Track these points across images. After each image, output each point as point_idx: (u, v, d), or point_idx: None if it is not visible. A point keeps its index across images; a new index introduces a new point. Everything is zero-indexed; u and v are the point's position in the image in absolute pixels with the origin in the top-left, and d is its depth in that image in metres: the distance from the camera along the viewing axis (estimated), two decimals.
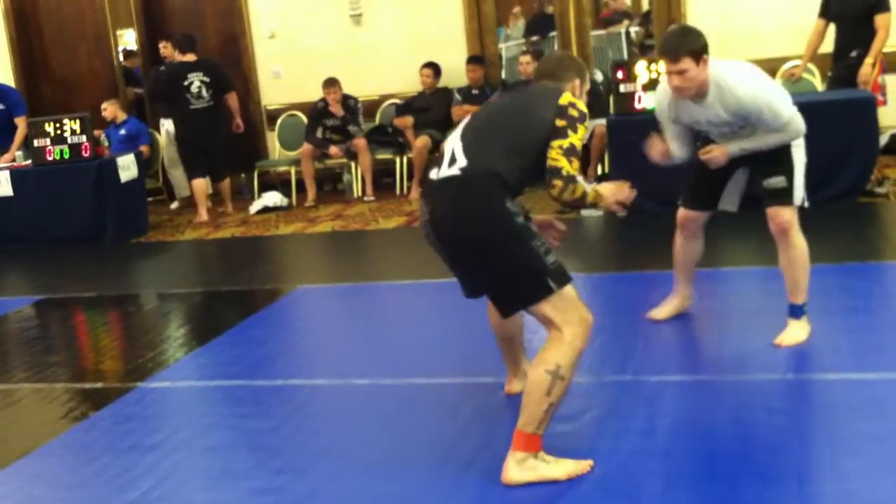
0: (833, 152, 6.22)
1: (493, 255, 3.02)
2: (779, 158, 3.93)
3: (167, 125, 9.43)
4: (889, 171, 7.04)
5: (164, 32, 9.75)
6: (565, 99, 3.13)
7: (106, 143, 8.92)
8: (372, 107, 9.24)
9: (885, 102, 7.08)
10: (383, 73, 9.31)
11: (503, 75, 9.67)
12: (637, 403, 3.56)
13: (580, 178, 3.07)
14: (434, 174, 3.14)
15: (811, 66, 7.42)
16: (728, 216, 4.31)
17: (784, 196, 3.93)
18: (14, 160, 8.57)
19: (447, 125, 8.30)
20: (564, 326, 2.99)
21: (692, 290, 4.44)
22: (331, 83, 8.81)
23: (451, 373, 4.05)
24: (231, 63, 9.41)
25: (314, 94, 8.98)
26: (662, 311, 4.42)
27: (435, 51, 9.01)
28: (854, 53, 6.87)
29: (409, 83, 9.06)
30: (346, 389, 4.08)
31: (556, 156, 3.03)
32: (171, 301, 6.11)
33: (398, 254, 6.80)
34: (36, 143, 8.19)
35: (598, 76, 8.36)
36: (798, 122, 3.87)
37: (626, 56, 10.29)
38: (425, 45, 9.10)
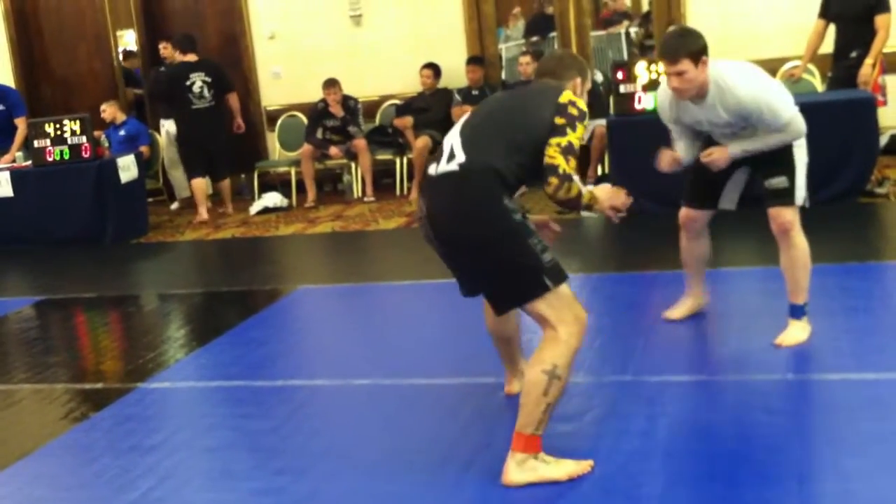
0: (833, 153, 6.22)
1: (490, 252, 3.01)
2: (780, 159, 3.93)
3: (167, 126, 9.43)
4: (889, 172, 7.04)
5: (164, 33, 9.74)
6: (565, 97, 3.12)
7: (106, 144, 8.92)
8: (372, 107, 9.24)
9: (885, 103, 7.08)
10: (383, 74, 9.32)
11: (503, 76, 9.67)
12: (637, 403, 3.55)
13: (576, 178, 3.06)
14: (433, 169, 3.13)
15: (811, 66, 7.42)
16: (728, 216, 4.31)
17: (786, 196, 3.93)
18: (14, 161, 8.57)
19: (447, 126, 8.25)
20: (559, 325, 2.98)
21: (705, 289, 4.43)
22: (331, 84, 8.81)
23: (450, 373, 4.05)
24: (231, 63, 9.41)
25: (314, 94, 8.98)
26: (677, 312, 4.42)
27: (435, 51, 9.01)
28: (854, 54, 6.87)
29: (409, 84, 9.06)
30: (346, 390, 4.08)
31: (553, 153, 3.02)
32: (171, 302, 6.11)
33: (398, 254, 6.80)
34: (36, 143, 8.19)
35: (598, 77, 8.36)
36: (798, 122, 3.87)
37: (625, 57, 10.29)
38: (425, 45, 9.10)
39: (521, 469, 2.99)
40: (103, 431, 3.87)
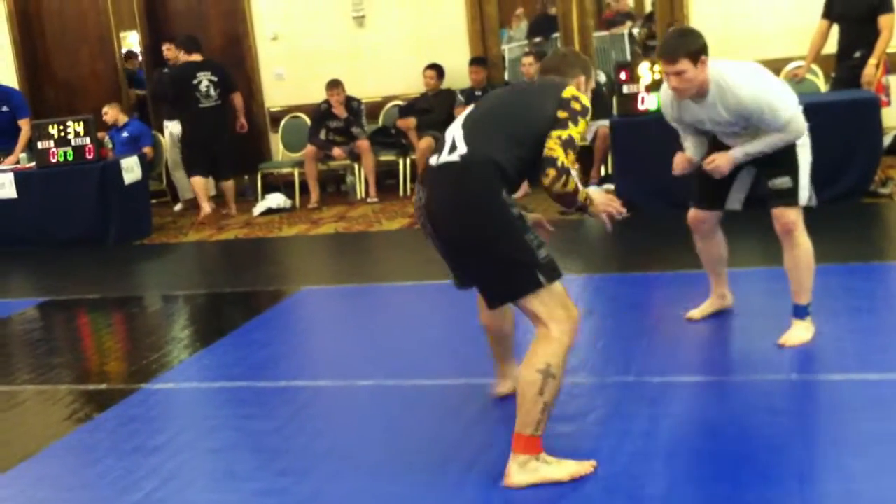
0: (837, 153, 6.22)
1: (486, 244, 3.00)
2: (784, 159, 3.93)
3: (171, 127, 9.44)
4: (893, 172, 7.03)
5: (167, 34, 9.75)
6: (569, 92, 3.12)
7: (110, 146, 8.93)
8: (375, 108, 9.25)
9: (888, 103, 7.07)
10: (386, 75, 9.32)
11: (506, 77, 9.67)
12: (640, 404, 3.55)
13: (574, 173, 3.06)
14: (434, 160, 3.12)
15: (815, 66, 7.42)
16: (731, 217, 4.30)
17: (789, 196, 3.93)
18: (18, 162, 8.58)
19: None
20: (551, 322, 2.97)
21: (728, 290, 4.42)
22: (334, 85, 8.82)
23: (453, 374, 4.05)
24: (234, 65, 9.41)
25: (317, 95, 8.98)
26: (699, 312, 4.42)
27: (438, 52, 9.01)
28: (858, 54, 6.87)
29: (412, 85, 9.06)
30: (349, 391, 4.08)
31: (553, 145, 3.01)
32: (174, 303, 6.11)
33: (401, 255, 6.80)
34: (39, 145, 8.20)
35: (602, 77, 8.35)
36: (799, 121, 3.86)
37: (629, 57, 10.28)
38: (428, 46, 9.10)
39: (523, 470, 2.99)
40: (107, 432, 3.88)
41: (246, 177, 9.62)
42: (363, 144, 8.78)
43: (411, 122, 8.77)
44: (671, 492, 2.90)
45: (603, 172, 7.98)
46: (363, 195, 8.92)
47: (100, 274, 7.20)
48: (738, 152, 3.93)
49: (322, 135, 8.87)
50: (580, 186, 3.09)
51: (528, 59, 8.38)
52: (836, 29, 7.05)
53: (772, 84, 3.88)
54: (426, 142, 8.45)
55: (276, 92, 9.75)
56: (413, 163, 8.78)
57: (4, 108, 8.75)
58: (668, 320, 4.48)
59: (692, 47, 3.75)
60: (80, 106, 10.02)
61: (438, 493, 3.04)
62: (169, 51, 9.40)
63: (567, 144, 3.01)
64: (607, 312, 4.84)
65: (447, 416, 3.64)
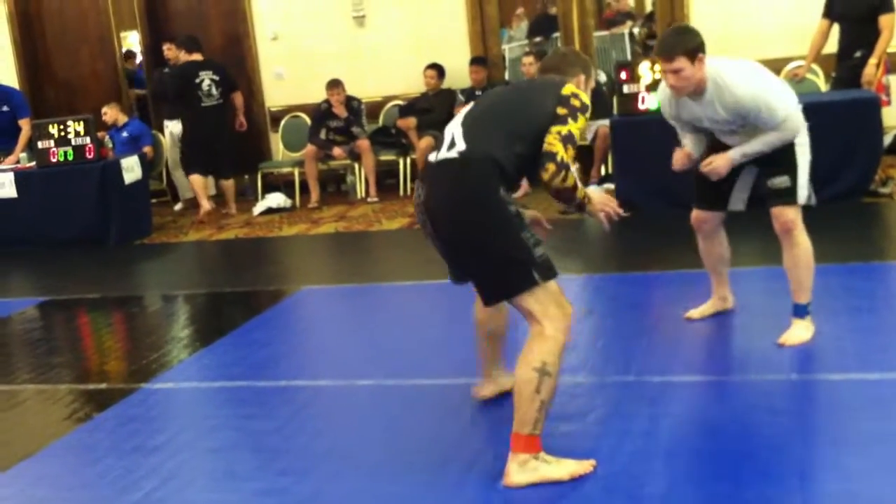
0: (837, 152, 6.22)
1: (483, 241, 3.01)
2: (782, 158, 3.93)
3: (171, 126, 9.44)
4: (893, 172, 7.02)
5: (168, 34, 9.75)
6: (568, 89, 3.13)
7: (110, 145, 8.93)
8: (375, 108, 9.25)
9: (889, 102, 7.07)
10: (386, 75, 9.32)
11: (506, 76, 9.67)
12: (640, 404, 3.55)
13: (574, 169, 3.06)
14: (433, 157, 3.14)
15: (815, 66, 7.41)
16: (732, 216, 4.30)
17: (788, 195, 3.93)
18: (18, 162, 8.59)
19: None
20: (544, 320, 2.98)
21: (729, 291, 4.42)
22: (334, 84, 8.82)
23: (453, 374, 4.05)
24: (234, 64, 9.41)
25: (317, 95, 8.98)
26: (698, 312, 4.41)
27: (438, 52, 9.01)
28: (858, 54, 6.86)
29: (412, 84, 9.06)
30: (349, 390, 4.08)
31: (553, 140, 3.01)
32: (174, 302, 6.11)
33: (401, 255, 6.80)
34: (40, 144, 8.20)
35: (602, 77, 8.35)
36: (795, 119, 3.86)
37: (629, 57, 10.29)
38: (428, 46, 9.10)
39: (522, 469, 2.99)
40: (107, 432, 3.88)
41: (246, 176, 9.63)
42: (363, 144, 8.78)
43: (411, 121, 8.77)
44: (671, 491, 2.90)
45: (603, 172, 7.98)
46: (363, 195, 8.92)
47: (100, 273, 7.20)
48: (736, 153, 3.93)
49: (322, 134, 8.88)
50: (579, 183, 3.10)
51: (529, 59, 8.37)
52: (836, 29, 7.05)
53: (769, 83, 3.88)
54: (426, 141, 8.44)
55: (277, 91, 9.75)
56: (413, 163, 8.77)
57: (5, 108, 8.75)
58: (667, 320, 4.48)
59: (689, 45, 3.75)
60: (81, 106, 10.02)
61: (438, 493, 3.04)
62: (169, 50, 9.40)
63: (567, 140, 3.02)
64: (607, 312, 4.84)
65: (447, 416, 3.64)
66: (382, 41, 9.33)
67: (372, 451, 3.40)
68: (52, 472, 3.58)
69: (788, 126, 3.85)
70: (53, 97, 10.63)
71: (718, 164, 3.96)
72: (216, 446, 3.63)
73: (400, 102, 9.16)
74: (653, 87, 6.84)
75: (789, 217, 3.93)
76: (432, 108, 8.74)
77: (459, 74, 8.87)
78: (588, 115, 3.12)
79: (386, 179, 9.16)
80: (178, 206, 9.58)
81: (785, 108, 3.82)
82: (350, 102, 8.90)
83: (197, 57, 8.70)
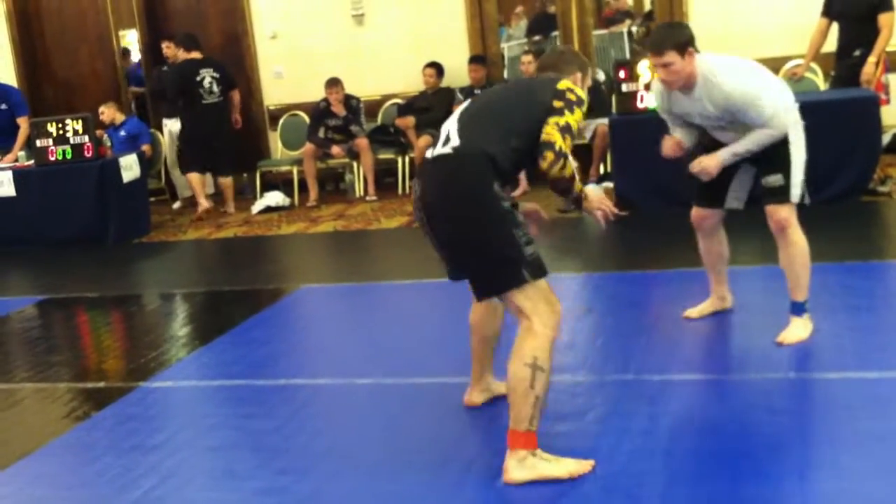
0: (836, 151, 6.22)
1: (475, 236, 3.03)
2: (776, 156, 3.93)
3: (170, 125, 9.44)
4: (892, 170, 7.02)
5: (166, 33, 9.75)
6: (564, 84, 3.16)
7: (109, 144, 8.93)
8: (374, 107, 9.24)
9: (888, 101, 7.07)
10: (385, 73, 9.31)
11: (505, 75, 9.66)
12: (639, 402, 3.55)
13: (571, 159, 3.07)
14: (429, 153, 3.17)
15: (814, 65, 7.41)
16: (731, 215, 4.30)
17: (781, 194, 3.93)
18: (17, 160, 8.58)
19: None
20: (534, 316, 2.99)
21: (728, 291, 4.42)
22: (333, 83, 8.81)
23: (452, 372, 4.04)
24: (233, 63, 9.40)
25: (316, 94, 8.98)
26: (697, 311, 4.41)
27: (437, 51, 9.01)
28: (857, 52, 6.86)
29: (411, 83, 9.06)
30: (348, 389, 4.08)
31: (550, 130, 3.03)
32: (173, 301, 6.11)
33: (400, 253, 6.80)
34: (38, 143, 8.20)
35: (601, 76, 8.35)
36: (782, 117, 3.86)
37: (628, 55, 10.28)
38: (427, 44, 9.10)
39: (521, 467, 2.99)
40: (105, 430, 3.88)
41: (245, 175, 9.62)
42: (362, 143, 8.78)
43: (410, 120, 8.76)
44: (670, 490, 2.90)
45: (602, 171, 7.98)
46: (362, 193, 8.92)
47: (98, 272, 7.19)
48: (726, 153, 3.94)
49: (321, 133, 8.87)
50: (577, 174, 3.11)
51: (528, 58, 8.36)
52: (835, 27, 7.05)
53: (761, 80, 3.88)
54: (425, 140, 8.44)
55: (275, 90, 9.75)
56: (412, 161, 8.77)
57: (3, 106, 8.75)
58: (666, 318, 4.48)
59: (679, 39, 3.77)
60: (79, 104, 10.01)
61: (438, 491, 3.04)
62: (168, 49, 9.39)
63: (564, 130, 3.04)
64: (606, 311, 4.84)
65: (447, 415, 3.64)
66: (381, 40, 9.32)
67: (371, 450, 3.40)
68: (50, 470, 3.58)
69: (777, 123, 3.85)
70: (52, 96, 10.62)
71: (707, 164, 3.96)
72: (215, 445, 3.63)
73: (399, 101, 9.15)
74: (651, 85, 6.84)
75: (783, 215, 3.93)
76: (431, 106, 8.74)
77: (458, 73, 8.86)
78: (584, 108, 3.15)
79: (385, 178, 9.16)
80: (176, 205, 9.58)
81: (773, 105, 3.82)
82: (349, 101, 8.90)
83: (196, 55, 8.71)
